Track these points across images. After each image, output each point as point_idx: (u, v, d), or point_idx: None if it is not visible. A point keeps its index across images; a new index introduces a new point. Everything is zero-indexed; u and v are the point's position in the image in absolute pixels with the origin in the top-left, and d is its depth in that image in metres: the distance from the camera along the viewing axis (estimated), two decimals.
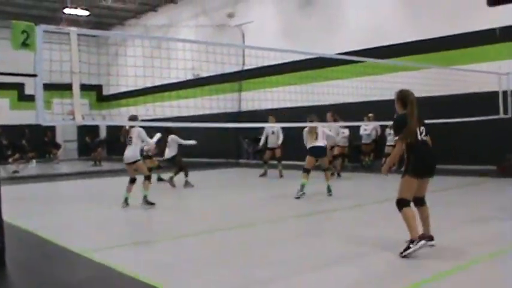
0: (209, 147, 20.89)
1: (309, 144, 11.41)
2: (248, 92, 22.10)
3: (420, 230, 6.13)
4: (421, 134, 6.13)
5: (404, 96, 6.25)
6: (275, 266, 5.79)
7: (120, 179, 18.06)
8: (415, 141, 6.07)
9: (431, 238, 6.19)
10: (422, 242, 5.89)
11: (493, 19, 14.95)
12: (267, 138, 16.37)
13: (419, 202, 6.29)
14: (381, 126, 17.18)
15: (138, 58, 9.50)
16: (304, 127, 11.32)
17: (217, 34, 24.72)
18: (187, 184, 14.22)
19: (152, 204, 10.68)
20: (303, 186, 11.22)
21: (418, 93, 13.05)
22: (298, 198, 11.11)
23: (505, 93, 13.74)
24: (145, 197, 10.71)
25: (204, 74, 19.44)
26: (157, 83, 9.38)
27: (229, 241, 7.40)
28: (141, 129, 10.70)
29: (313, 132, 11.30)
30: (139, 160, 10.82)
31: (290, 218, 9.12)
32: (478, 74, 13.49)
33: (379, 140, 17.79)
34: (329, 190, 11.40)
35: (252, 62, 9.73)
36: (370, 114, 16.88)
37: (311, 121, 11.22)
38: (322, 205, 10.45)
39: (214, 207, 11.02)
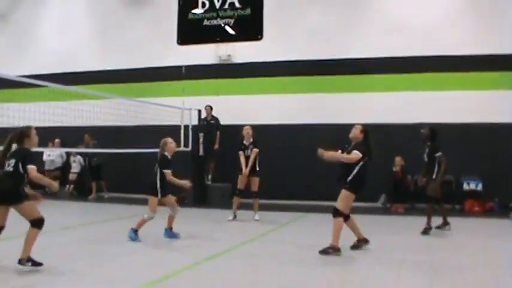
0: None
1: None
2: None
3: None
4: (9, 165, 6.27)
5: None
6: None
7: None
8: None
9: None
10: None
11: (181, 57, 15.94)
12: None
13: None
14: (66, 153, 16.69)
15: None
16: None
17: None
18: None
19: None
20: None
21: (102, 122, 12.88)
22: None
23: (186, 127, 14.63)
24: None
25: None
26: None
27: None
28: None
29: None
30: None
31: None
32: (165, 107, 14.07)
33: (65, 167, 17.21)
34: None
35: None
36: (57, 140, 16.22)
37: None
38: None
39: None
